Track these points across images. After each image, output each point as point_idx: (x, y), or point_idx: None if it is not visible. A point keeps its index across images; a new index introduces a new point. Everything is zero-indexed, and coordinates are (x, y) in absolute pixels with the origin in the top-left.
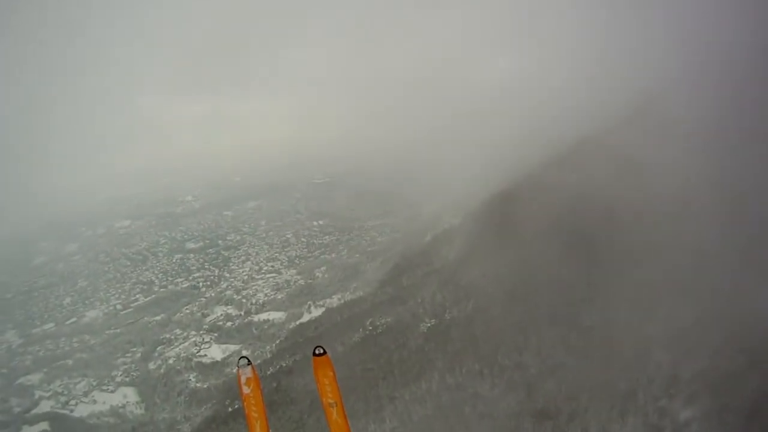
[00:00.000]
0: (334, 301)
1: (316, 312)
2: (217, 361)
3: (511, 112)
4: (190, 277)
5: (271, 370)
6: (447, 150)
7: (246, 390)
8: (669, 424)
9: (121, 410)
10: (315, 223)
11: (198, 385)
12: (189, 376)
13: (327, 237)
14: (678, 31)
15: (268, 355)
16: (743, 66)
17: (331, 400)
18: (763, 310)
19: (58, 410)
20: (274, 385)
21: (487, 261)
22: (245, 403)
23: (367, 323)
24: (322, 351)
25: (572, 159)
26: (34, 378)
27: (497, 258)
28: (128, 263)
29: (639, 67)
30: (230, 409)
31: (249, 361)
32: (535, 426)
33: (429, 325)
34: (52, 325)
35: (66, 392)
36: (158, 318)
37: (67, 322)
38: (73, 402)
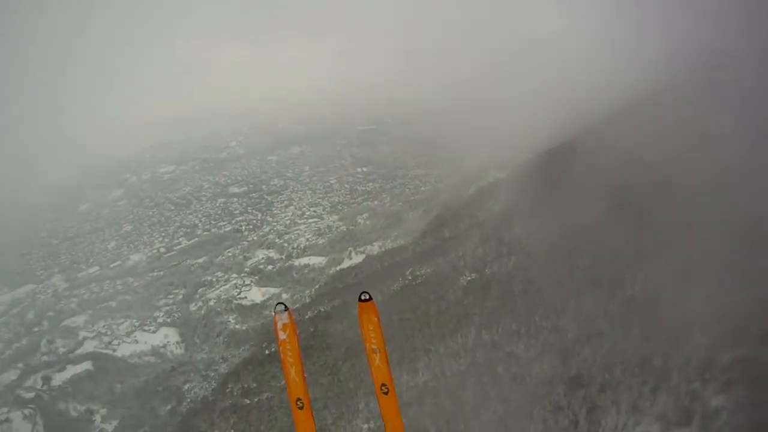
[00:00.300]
0: (375, 248)
1: (357, 258)
2: (257, 304)
3: (564, 68)
4: (233, 221)
5: (309, 314)
6: (494, 103)
7: (282, 336)
8: (699, 408)
9: (161, 350)
10: (359, 169)
11: (237, 326)
12: (228, 317)
13: (370, 184)
14: None
15: (307, 300)
16: None
17: (374, 346)
18: None
19: (101, 350)
20: (311, 329)
21: (532, 218)
22: (281, 348)
23: (407, 273)
24: (368, 297)
25: (625, 119)
26: (79, 320)
27: (542, 216)
28: (172, 207)
29: (706, 27)
30: (267, 352)
31: (286, 306)
32: (567, 393)
33: (469, 278)
34: (97, 268)
35: (109, 333)
36: (200, 261)
37: (112, 266)
38: (115, 342)
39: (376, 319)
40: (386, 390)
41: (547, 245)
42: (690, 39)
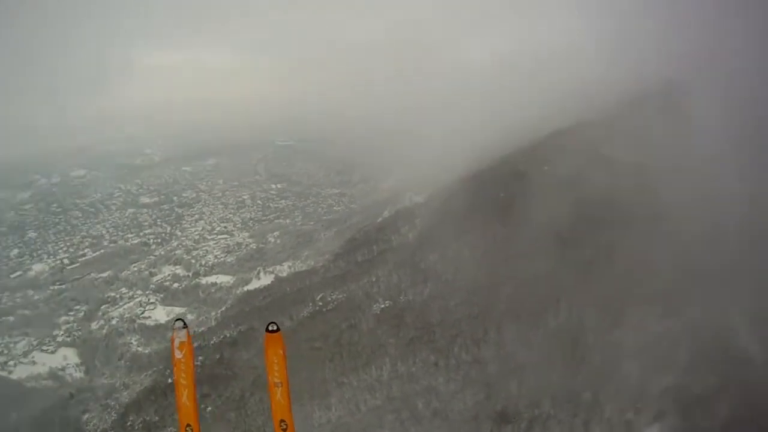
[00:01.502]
0: (285, 269)
1: (266, 279)
2: (161, 324)
3: (490, 94)
4: (141, 233)
5: (214, 339)
6: (417, 125)
7: (178, 354)
8: None
9: (60, 373)
10: (273, 186)
11: (140, 349)
12: (131, 339)
13: (283, 201)
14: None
15: (213, 323)
16: None
17: (277, 380)
18: (738, 329)
19: None
20: (217, 356)
21: (449, 246)
22: (175, 368)
23: (318, 298)
24: (275, 328)
25: (546, 149)
26: None
27: (460, 244)
28: (80, 215)
29: (643, 59)
30: (170, 380)
31: (185, 323)
32: (494, 429)
33: (383, 306)
34: None
35: (6, 352)
36: (105, 275)
37: (12, 276)
38: (12, 363)
39: (282, 351)
40: (285, 426)
41: (465, 274)
42: (627, 66)
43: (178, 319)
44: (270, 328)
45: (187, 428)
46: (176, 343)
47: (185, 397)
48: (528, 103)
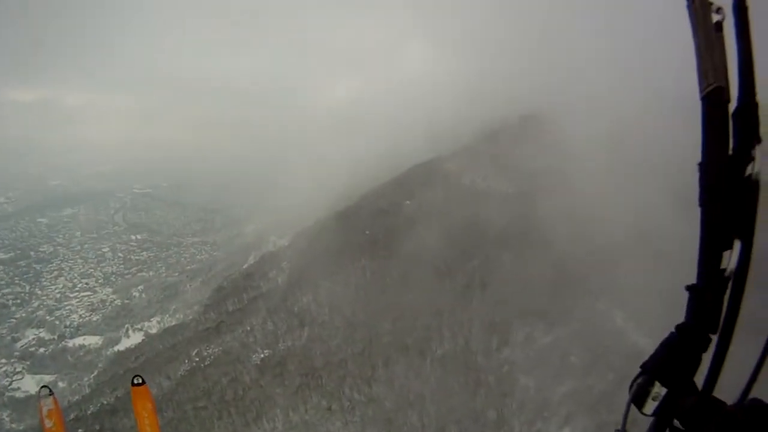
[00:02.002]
0: (154, 324)
1: (135, 338)
2: (32, 395)
3: (348, 134)
4: None
5: (92, 408)
6: (275, 168)
7: (48, 424)
8: None
9: None
10: (133, 236)
11: (14, 426)
12: (3, 414)
13: (145, 253)
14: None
15: (87, 390)
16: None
17: None
18: (626, 329)
19: None
20: (97, 427)
21: (320, 286)
22: None
23: (193, 353)
24: (141, 381)
25: (408, 183)
26: None
27: (331, 283)
28: None
29: (500, 93)
30: None
31: (50, 390)
32: None
33: (262, 356)
34: None
35: None
36: None
37: None
38: None
39: (150, 405)
40: None
41: (342, 312)
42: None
43: (43, 387)
44: (135, 382)
45: None
46: (44, 412)
47: None
48: (386, 142)
